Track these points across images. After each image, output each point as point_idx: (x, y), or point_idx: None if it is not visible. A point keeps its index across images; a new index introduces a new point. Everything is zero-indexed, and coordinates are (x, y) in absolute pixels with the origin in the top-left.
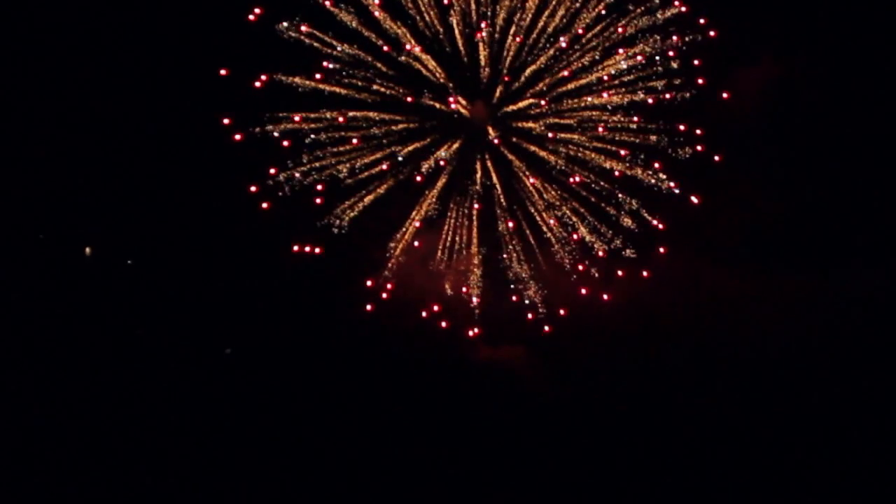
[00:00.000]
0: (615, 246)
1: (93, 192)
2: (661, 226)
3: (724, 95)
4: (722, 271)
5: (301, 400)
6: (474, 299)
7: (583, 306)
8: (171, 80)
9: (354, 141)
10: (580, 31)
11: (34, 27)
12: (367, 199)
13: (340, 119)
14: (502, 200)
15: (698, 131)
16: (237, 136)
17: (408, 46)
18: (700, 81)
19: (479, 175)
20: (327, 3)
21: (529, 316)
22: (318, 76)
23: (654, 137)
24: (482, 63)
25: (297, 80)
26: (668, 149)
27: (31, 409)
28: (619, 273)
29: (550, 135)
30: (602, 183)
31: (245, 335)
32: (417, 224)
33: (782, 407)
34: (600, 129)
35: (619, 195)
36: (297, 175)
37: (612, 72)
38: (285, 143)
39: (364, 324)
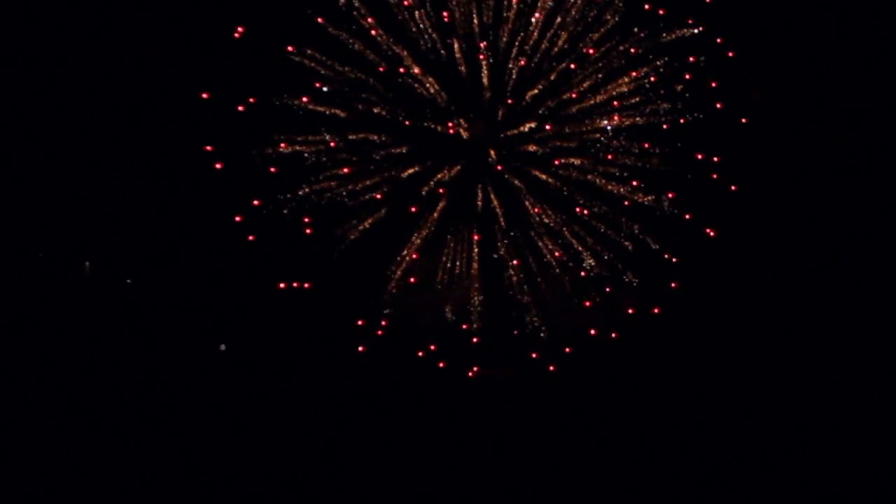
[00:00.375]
0: (622, 278)
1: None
2: (673, 259)
3: (743, 120)
4: (738, 309)
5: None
6: (474, 339)
7: (589, 344)
8: (157, 102)
9: (346, 170)
10: (590, 51)
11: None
12: (363, 225)
13: (332, 144)
14: (503, 225)
15: (715, 159)
16: (218, 165)
17: (404, 68)
18: (718, 106)
19: (479, 200)
20: (319, 20)
21: (533, 355)
22: (304, 99)
23: (665, 164)
24: (484, 85)
25: (294, 102)
26: (681, 176)
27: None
28: (630, 311)
29: (557, 162)
30: (609, 211)
31: (233, 363)
32: (415, 256)
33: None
34: (609, 156)
35: (627, 224)
36: (292, 199)
37: (622, 92)
38: (272, 170)
39: (356, 366)
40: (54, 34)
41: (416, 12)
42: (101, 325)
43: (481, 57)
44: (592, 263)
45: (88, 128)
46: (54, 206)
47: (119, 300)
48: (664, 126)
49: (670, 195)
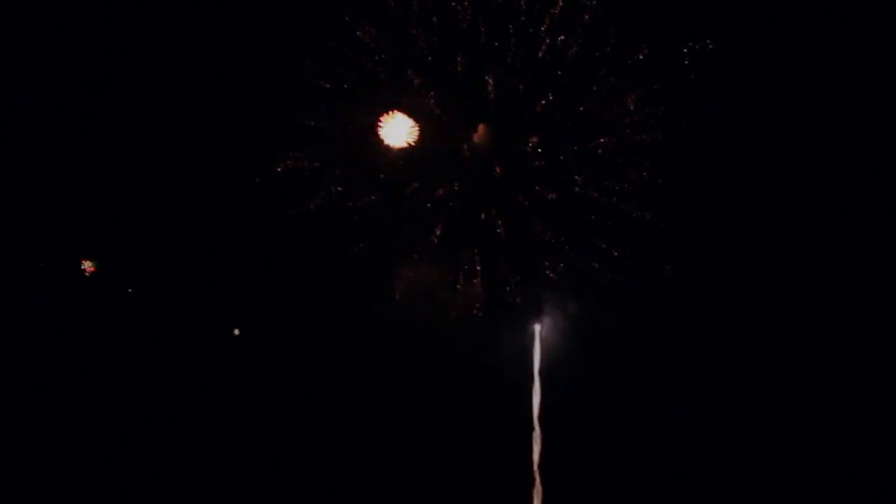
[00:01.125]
0: (626, 295)
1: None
2: (678, 284)
3: (755, 143)
4: (744, 326)
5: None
6: (477, 357)
7: (593, 362)
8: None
9: (339, 188)
10: (603, 71)
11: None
12: (363, 241)
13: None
14: (506, 241)
15: (725, 182)
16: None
17: (407, 82)
18: (727, 122)
19: (482, 215)
20: (320, 31)
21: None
22: (302, 112)
23: (674, 186)
24: (489, 100)
25: (292, 115)
26: (688, 193)
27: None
28: (632, 337)
29: (561, 178)
30: (614, 227)
31: (228, 379)
32: (416, 272)
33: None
34: (620, 173)
35: (634, 245)
36: (290, 214)
37: (628, 108)
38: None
39: (355, 384)
40: (53, 39)
41: (420, 27)
42: (99, 330)
43: (488, 77)
44: (597, 281)
45: (81, 141)
46: (54, 215)
47: (115, 311)
48: (671, 142)
49: (679, 218)
